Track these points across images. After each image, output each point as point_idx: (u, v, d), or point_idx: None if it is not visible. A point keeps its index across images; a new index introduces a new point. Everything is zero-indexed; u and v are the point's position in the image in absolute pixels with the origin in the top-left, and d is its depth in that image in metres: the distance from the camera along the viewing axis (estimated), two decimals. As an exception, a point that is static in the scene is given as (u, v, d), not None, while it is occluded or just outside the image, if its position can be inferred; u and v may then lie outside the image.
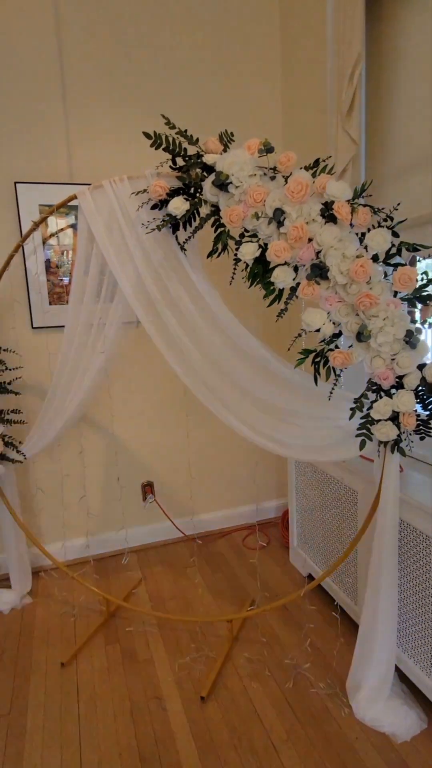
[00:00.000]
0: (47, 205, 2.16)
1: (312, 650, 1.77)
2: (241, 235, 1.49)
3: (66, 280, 2.24)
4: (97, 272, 1.75)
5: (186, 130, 1.55)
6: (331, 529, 1.96)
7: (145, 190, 1.58)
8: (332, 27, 2.01)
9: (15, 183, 2.11)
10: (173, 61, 2.30)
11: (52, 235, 2.20)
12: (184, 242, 1.56)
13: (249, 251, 1.44)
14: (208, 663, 1.74)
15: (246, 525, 2.79)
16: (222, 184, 1.43)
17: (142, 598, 2.15)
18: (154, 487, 2.58)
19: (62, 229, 2.21)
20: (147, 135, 1.53)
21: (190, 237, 1.54)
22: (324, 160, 1.49)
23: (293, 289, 1.45)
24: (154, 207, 1.59)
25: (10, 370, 2.04)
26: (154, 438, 2.53)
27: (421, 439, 1.43)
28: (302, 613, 1.98)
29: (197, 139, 1.54)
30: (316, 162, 1.47)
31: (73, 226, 2.23)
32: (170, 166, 1.55)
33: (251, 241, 1.46)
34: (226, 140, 1.56)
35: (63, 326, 2.23)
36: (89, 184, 2.18)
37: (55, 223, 2.21)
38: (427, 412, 1.40)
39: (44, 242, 2.19)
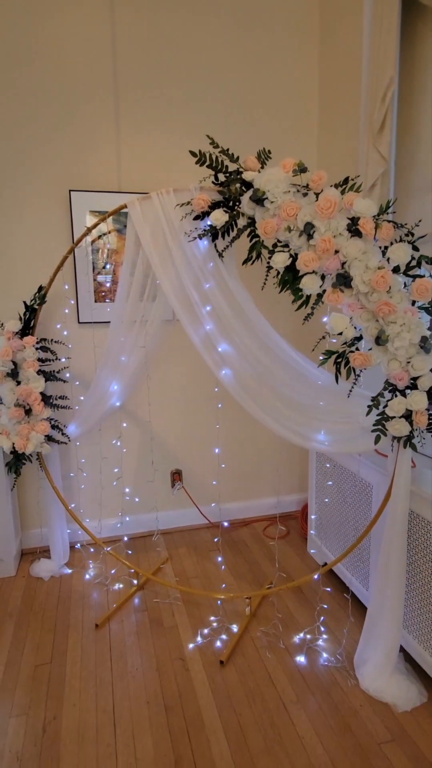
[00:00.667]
0: (96, 210, 2.37)
1: (323, 628, 1.92)
2: (274, 245, 1.65)
3: (103, 280, 2.45)
4: (142, 274, 1.94)
5: (228, 149, 1.72)
6: (348, 520, 2.10)
7: (188, 203, 1.76)
8: (368, 51, 2.15)
9: (69, 191, 2.32)
10: (218, 83, 2.47)
11: (99, 237, 2.40)
12: (222, 250, 1.73)
13: (281, 260, 1.60)
14: (227, 634, 1.90)
15: (267, 516, 2.94)
16: (258, 199, 1.60)
17: (168, 574, 2.33)
18: (182, 475, 2.76)
19: (107, 233, 2.41)
20: (193, 153, 1.70)
21: (228, 245, 1.71)
22: (353, 179, 1.63)
23: (319, 296, 1.60)
24: (196, 218, 1.76)
25: (59, 360, 2.25)
26: (184, 429, 2.71)
27: (433, 437, 1.56)
28: (316, 596, 2.12)
29: (237, 157, 1.71)
30: (346, 180, 1.62)
31: (119, 231, 2.43)
32: (212, 182, 1.72)
33: (283, 251, 1.62)
34: (263, 158, 1.72)
35: (106, 322, 2.46)
36: (135, 193, 2.40)
37: (105, 227, 2.41)
38: (439, 412, 1.53)
39: (92, 243, 2.40)
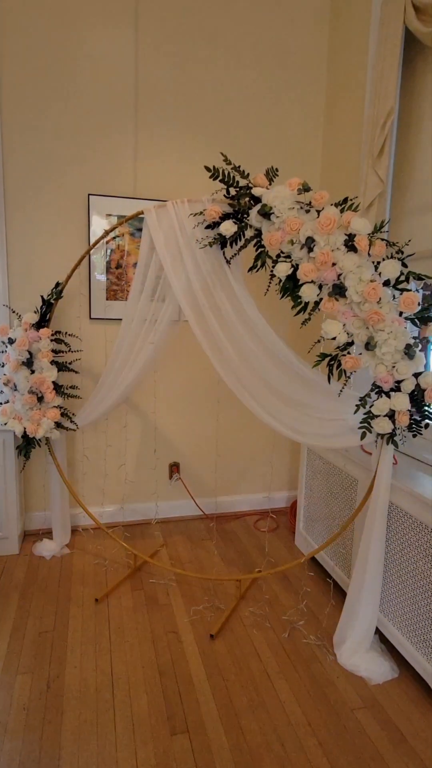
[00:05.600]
0: (113, 214, 2.53)
1: (306, 611, 2.07)
2: (278, 256, 1.82)
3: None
4: (154, 276, 2.10)
5: (239, 166, 1.89)
6: (334, 513, 2.25)
7: (201, 213, 1.92)
8: (370, 84, 2.33)
9: (88, 195, 2.49)
10: (232, 101, 2.65)
11: (113, 238, 2.56)
12: (230, 257, 1.89)
13: (283, 269, 1.76)
14: (217, 612, 2.05)
15: (258, 511, 3.09)
16: (266, 214, 1.76)
17: (163, 558, 2.48)
18: (180, 468, 2.91)
19: (120, 235, 2.57)
20: (207, 168, 1.87)
21: (236, 254, 1.87)
22: (351, 200, 1.80)
23: (316, 303, 1.77)
24: (207, 227, 1.93)
25: (71, 351, 2.40)
26: (183, 423, 2.87)
27: (414, 436, 1.73)
28: (300, 582, 2.28)
29: (248, 174, 1.88)
30: (345, 200, 1.79)
31: (132, 234, 2.59)
32: (224, 195, 1.89)
33: (285, 261, 1.78)
34: (272, 175, 1.90)
35: (117, 319, 2.62)
36: (150, 200, 2.56)
37: (116, 231, 2.57)
38: (420, 414, 1.69)
39: (107, 243, 2.56)
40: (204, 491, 2.98)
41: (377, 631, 1.86)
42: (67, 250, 2.53)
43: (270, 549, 2.62)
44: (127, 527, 2.79)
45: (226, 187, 1.89)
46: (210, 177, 1.88)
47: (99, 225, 2.53)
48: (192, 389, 2.85)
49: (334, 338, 1.72)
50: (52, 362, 2.30)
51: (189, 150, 2.63)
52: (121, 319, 2.61)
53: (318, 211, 1.75)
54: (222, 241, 1.90)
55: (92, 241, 2.53)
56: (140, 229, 2.59)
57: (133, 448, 2.81)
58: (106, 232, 2.18)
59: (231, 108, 2.66)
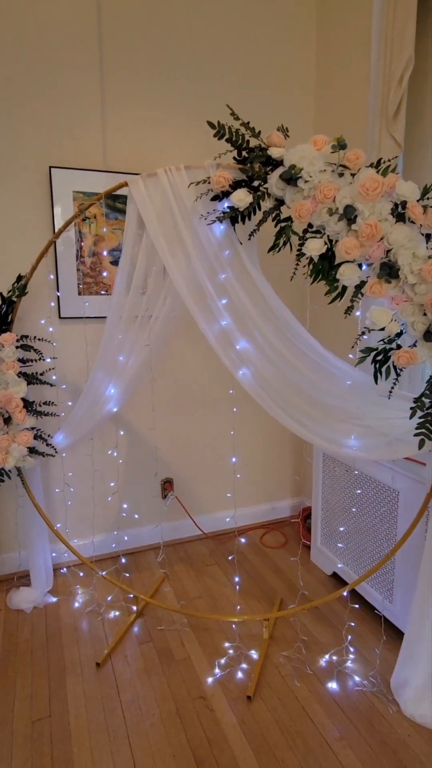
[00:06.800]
0: (81, 192, 2.10)
1: (353, 649, 1.78)
2: (304, 231, 1.48)
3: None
4: (145, 264, 1.71)
5: (248, 122, 1.53)
6: (364, 528, 1.97)
7: (205, 181, 1.55)
8: (378, 32, 2.02)
9: (50, 167, 2.04)
10: (215, 55, 2.26)
11: (82, 219, 2.13)
12: (250, 234, 1.53)
13: (316, 247, 1.43)
14: (247, 662, 1.72)
15: (261, 524, 2.78)
16: (290, 178, 1.42)
17: (168, 596, 2.11)
18: (173, 484, 2.54)
19: (88, 216, 2.15)
20: (211, 125, 1.50)
21: (255, 230, 1.52)
22: (388, 160, 1.49)
23: (357, 287, 1.45)
24: (214, 198, 1.56)
25: (43, 360, 1.96)
26: (174, 434, 2.49)
27: None
28: (332, 611, 1.98)
29: (259, 132, 1.53)
30: (379, 161, 1.48)
31: (106, 216, 2.17)
32: (234, 158, 1.53)
33: (315, 237, 1.45)
34: (284, 134, 1.55)
35: (94, 317, 2.20)
36: (125, 173, 2.15)
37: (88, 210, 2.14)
38: None
39: (76, 226, 2.13)
40: (200, 508, 2.63)
41: (438, 667, 1.60)
42: (27, 235, 2.07)
43: (284, 569, 2.31)
44: (113, 559, 2.40)
45: (234, 148, 1.53)
46: (214, 136, 1.51)
47: (65, 204, 2.09)
48: (181, 396, 2.47)
49: (382, 329, 1.41)
50: (20, 374, 1.86)
51: (168, 115, 2.23)
52: (99, 317, 2.22)
53: (352, 175, 1.43)
54: (233, 216, 1.54)
55: (57, 223, 2.09)
56: (116, 209, 2.18)
57: (121, 468, 2.40)
58: (80, 210, 1.76)
59: (213, 61, 2.28)
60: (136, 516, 2.47)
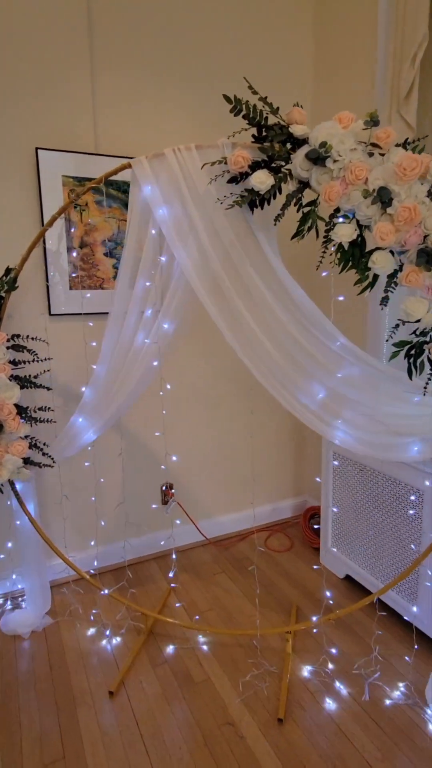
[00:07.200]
0: (72, 176, 1.93)
1: (381, 659, 1.69)
2: (331, 216, 1.37)
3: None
4: (151, 254, 1.56)
5: (266, 97, 1.40)
6: (382, 529, 1.89)
7: (221, 161, 1.41)
8: (388, 9, 1.92)
9: (36, 149, 1.86)
10: (211, 30, 2.12)
11: (75, 206, 1.96)
12: (275, 219, 1.40)
13: (347, 233, 1.32)
14: (271, 679, 1.61)
15: (263, 526, 2.68)
16: (317, 158, 1.30)
17: (178, 611, 1.98)
18: (173, 489, 2.40)
19: (79, 204, 1.97)
20: (228, 99, 1.37)
21: (280, 214, 1.39)
22: (416, 140, 1.39)
23: (390, 276, 1.35)
24: (231, 180, 1.43)
25: (38, 361, 1.78)
26: (171, 435, 2.35)
27: None
28: (353, 619, 1.90)
29: (278, 108, 1.40)
30: (406, 141, 1.38)
31: (99, 203, 2.00)
32: (253, 136, 1.40)
33: (344, 223, 1.34)
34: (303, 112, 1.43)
35: (90, 313, 2.04)
36: (119, 157, 1.99)
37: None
38: None
39: (65, 215, 1.95)
40: (200, 512, 2.50)
41: (472, 673, 1.53)
42: (12, 223, 1.89)
43: (293, 573, 2.21)
44: (113, 572, 2.24)
45: (252, 126, 1.40)
46: (231, 111, 1.38)
47: (53, 190, 1.91)
48: (177, 394, 2.33)
49: (418, 321, 1.32)
50: (12, 377, 1.68)
51: (164, 93, 2.07)
52: (95, 314, 2.06)
53: (381, 155, 1.32)
54: (252, 200, 1.41)
55: (45, 210, 1.90)
56: (109, 196, 2.01)
57: (114, 475, 2.24)
58: (77, 194, 1.58)
59: (206, 41, 2.13)
60: (136, 525, 2.32)
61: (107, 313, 2.05)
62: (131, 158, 1.52)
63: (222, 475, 2.51)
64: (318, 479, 2.59)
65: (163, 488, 2.37)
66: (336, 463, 2.12)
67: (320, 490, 2.64)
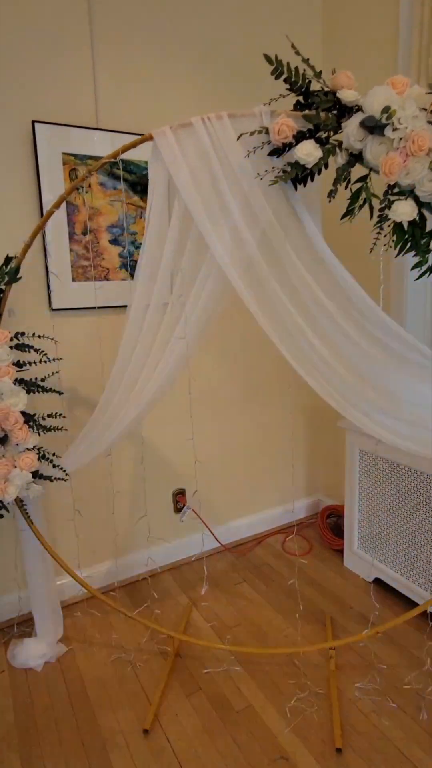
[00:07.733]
0: (72, 154, 1.72)
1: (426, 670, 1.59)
2: (385, 193, 1.23)
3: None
4: (177, 238, 1.38)
5: (308, 59, 1.25)
6: (419, 530, 1.78)
7: (260, 131, 1.25)
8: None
9: (33, 122, 1.64)
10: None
11: (75, 189, 1.76)
12: (329, 195, 1.24)
13: (407, 211, 1.18)
14: (319, 702, 1.48)
15: (278, 529, 2.55)
16: (374, 126, 1.15)
17: (204, 629, 1.82)
18: (185, 495, 2.24)
19: (81, 185, 1.77)
20: (269, 60, 1.21)
21: (333, 190, 1.24)
22: (473, 109, 1.26)
23: (452, 260, 1.22)
24: (272, 153, 1.26)
25: (46, 361, 1.58)
26: (183, 439, 2.18)
27: None
28: (395, 628, 1.78)
29: (320, 72, 1.25)
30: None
31: (103, 185, 1.80)
32: (298, 102, 1.24)
33: (402, 200, 1.20)
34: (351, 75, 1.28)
35: (91, 308, 1.85)
36: (122, 132, 1.80)
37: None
38: None
39: (68, 203, 1.75)
40: (213, 517, 2.34)
41: None
42: (7, 206, 1.67)
43: (318, 579, 2.09)
44: (128, 587, 2.07)
45: (293, 91, 1.24)
46: (272, 73, 1.21)
47: (52, 169, 1.70)
48: (185, 396, 2.17)
49: None
50: (17, 381, 1.48)
51: (169, 64, 1.89)
52: (101, 308, 1.87)
53: (439, 124, 1.19)
54: (296, 175, 1.25)
55: (43, 190, 1.70)
56: (114, 176, 1.81)
57: (125, 483, 2.06)
58: (89, 171, 1.39)
59: (211, 11, 1.95)
60: (147, 536, 2.15)
61: (114, 306, 1.90)
62: (137, 134, 1.34)
63: (233, 477, 2.37)
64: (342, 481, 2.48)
65: (175, 495, 2.21)
66: (362, 461, 2.00)
67: (334, 489, 2.54)
